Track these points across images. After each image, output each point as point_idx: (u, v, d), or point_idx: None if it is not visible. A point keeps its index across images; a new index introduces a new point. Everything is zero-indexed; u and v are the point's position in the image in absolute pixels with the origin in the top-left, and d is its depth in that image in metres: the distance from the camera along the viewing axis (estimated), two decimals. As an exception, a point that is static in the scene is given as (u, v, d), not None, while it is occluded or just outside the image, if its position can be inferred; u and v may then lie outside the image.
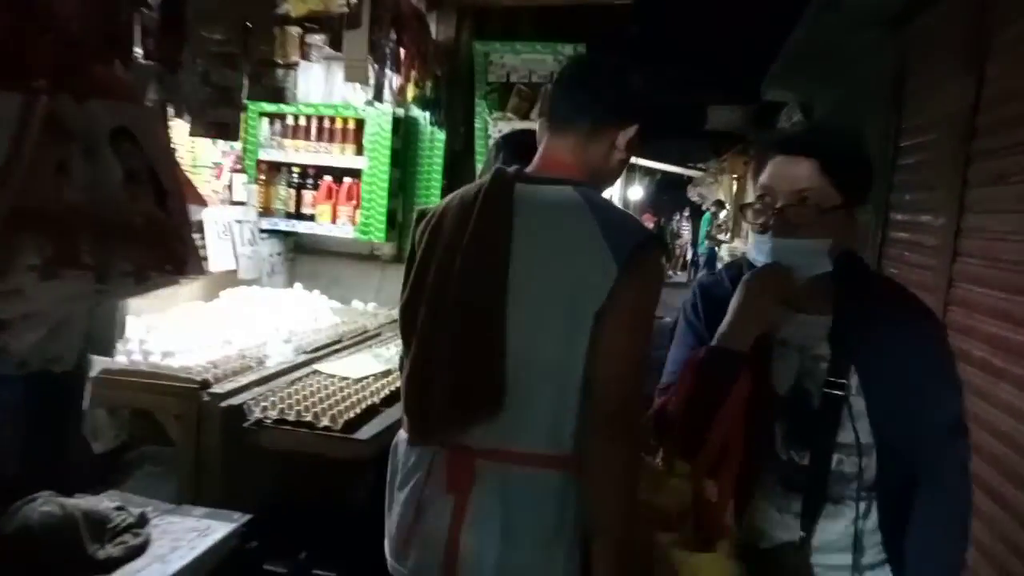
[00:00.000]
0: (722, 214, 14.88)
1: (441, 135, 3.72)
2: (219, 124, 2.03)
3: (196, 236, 1.91)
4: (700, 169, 15.22)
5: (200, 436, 2.09)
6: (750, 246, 1.41)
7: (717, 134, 12.65)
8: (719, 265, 10.96)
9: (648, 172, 16.61)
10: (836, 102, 5.64)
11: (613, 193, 11.48)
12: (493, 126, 3.79)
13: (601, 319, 1.27)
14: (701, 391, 1.33)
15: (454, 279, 1.34)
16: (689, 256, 18.01)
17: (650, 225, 16.16)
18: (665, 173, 17.25)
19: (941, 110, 3.00)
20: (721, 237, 14.11)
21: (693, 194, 19.12)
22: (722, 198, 15.50)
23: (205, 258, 2.97)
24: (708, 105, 11.39)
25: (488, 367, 1.31)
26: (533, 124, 3.78)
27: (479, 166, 3.62)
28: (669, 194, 22.08)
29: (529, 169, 1.44)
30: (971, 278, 2.61)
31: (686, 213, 20.78)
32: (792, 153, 1.32)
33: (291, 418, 2.14)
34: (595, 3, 4.12)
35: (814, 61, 5.53)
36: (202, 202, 2.82)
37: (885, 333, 1.30)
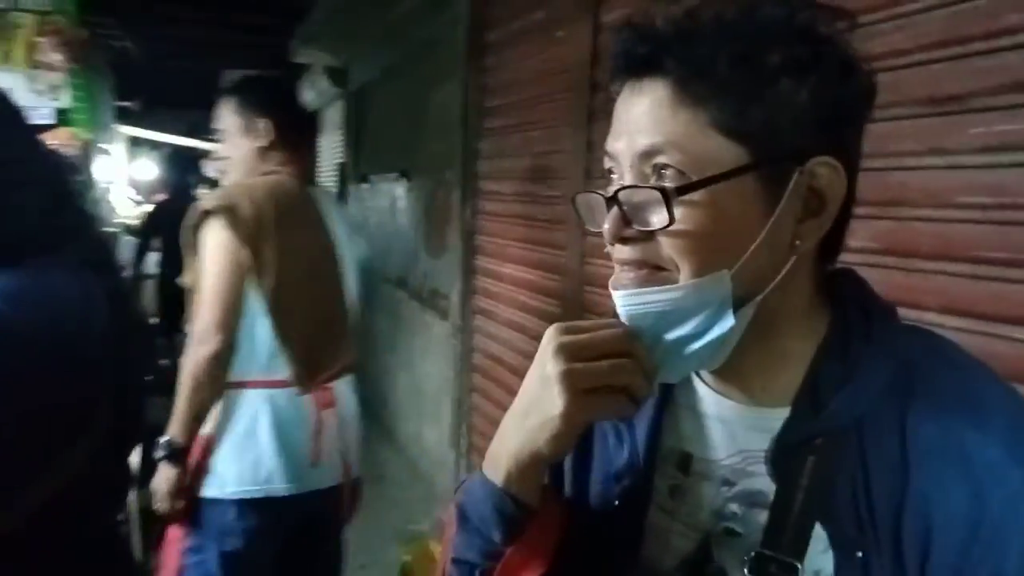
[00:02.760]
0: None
1: None
2: None
3: None
4: (216, 141, 13.86)
5: None
6: None
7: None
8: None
9: (156, 146, 14.62)
10: (387, 65, 5.19)
11: (116, 170, 9.69)
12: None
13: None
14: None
15: (315, 263, 2.01)
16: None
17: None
18: (176, 147, 15.45)
19: (549, 64, 2.64)
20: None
21: (211, 169, 17.59)
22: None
23: None
24: (223, 70, 10.26)
25: (340, 325, 2.09)
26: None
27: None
28: (182, 170, 20.11)
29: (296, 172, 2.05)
30: (606, 254, 2.29)
31: (206, 191, 19.05)
32: (634, 74, 0.62)
33: None
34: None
35: (358, 17, 4.99)
36: None
37: (921, 461, 0.57)
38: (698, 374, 0.70)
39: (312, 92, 8.69)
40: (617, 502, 0.70)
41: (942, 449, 0.56)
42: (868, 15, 1.35)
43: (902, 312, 1.33)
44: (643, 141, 0.60)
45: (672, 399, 0.71)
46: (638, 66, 0.62)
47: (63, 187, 1.11)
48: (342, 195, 7.10)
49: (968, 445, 0.55)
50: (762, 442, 0.63)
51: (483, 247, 3.32)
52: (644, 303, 0.61)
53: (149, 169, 14.63)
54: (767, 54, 0.58)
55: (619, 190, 0.62)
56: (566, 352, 0.61)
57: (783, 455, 0.61)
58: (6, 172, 1.00)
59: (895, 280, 1.33)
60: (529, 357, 0.67)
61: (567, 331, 0.62)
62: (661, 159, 0.60)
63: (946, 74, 1.27)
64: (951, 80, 1.25)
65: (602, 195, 0.64)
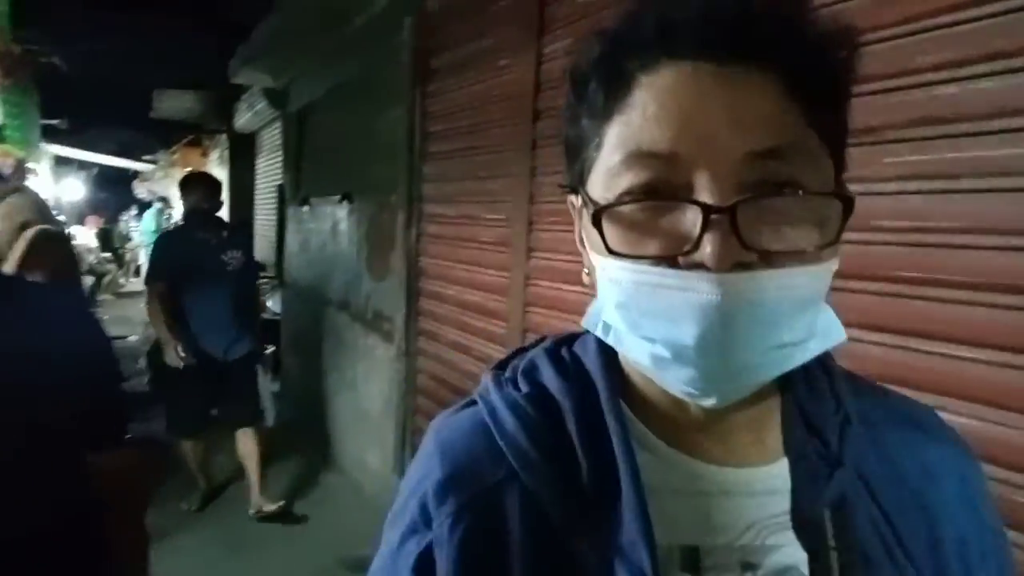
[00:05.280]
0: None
1: None
2: None
3: None
4: (150, 162, 13.54)
5: None
6: (604, 305, 0.57)
7: (167, 123, 11.33)
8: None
9: (84, 166, 14.20)
10: (329, 87, 5.20)
11: (44, 192, 9.38)
12: None
13: None
14: None
15: None
16: (142, 260, 15.98)
17: (95, 228, 13.87)
18: (104, 168, 15.04)
19: (493, 91, 2.72)
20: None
21: (141, 190, 17.22)
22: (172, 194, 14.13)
23: None
24: (155, 89, 10.08)
25: None
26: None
27: None
28: (111, 191, 19.63)
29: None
30: (547, 275, 2.37)
31: (133, 212, 18.58)
32: (722, 56, 0.48)
33: None
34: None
35: (300, 39, 5.00)
36: None
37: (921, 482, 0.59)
38: (671, 446, 0.58)
39: (249, 113, 8.61)
40: None
41: (938, 465, 0.60)
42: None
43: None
44: (760, 141, 0.47)
45: (642, 486, 0.54)
46: (738, 49, 0.48)
47: None
48: (280, 216, 7.03)
49: (950, 459, 0.61)
50: (770, 507, 0.55)
51: (427, 269, 3.36)
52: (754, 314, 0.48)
53: (78, 190, 14.21)
54: (847, 57, 0.53)
55: (753, 198, 0.47)
56: None
57: (805, 517, 0.54)
58: None
59: (821, 298, 1.43)
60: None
61: None
62: (780, 165, 0.48)
63: (862, 109, 1.37)
64: (867, 114, 1.37)
65: (706, 204, 0.47)
